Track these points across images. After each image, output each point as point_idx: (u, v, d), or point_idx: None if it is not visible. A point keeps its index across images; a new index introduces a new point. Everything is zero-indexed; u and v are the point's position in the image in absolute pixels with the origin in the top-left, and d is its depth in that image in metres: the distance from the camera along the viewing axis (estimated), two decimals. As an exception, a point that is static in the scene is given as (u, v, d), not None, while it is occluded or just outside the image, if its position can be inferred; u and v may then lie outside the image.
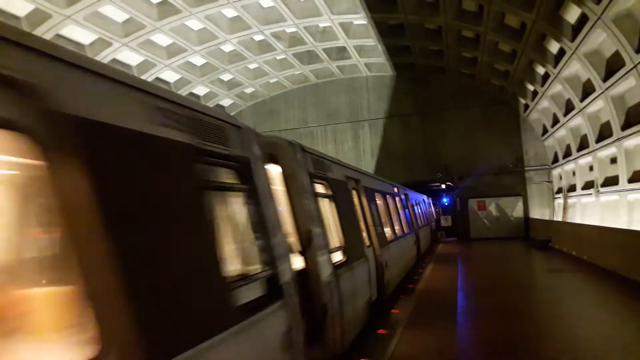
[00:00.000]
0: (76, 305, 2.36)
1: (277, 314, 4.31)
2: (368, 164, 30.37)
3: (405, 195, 19.19)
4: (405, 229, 16.30)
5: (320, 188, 7.25)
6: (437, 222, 34.51)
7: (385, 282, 10.34)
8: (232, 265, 3.95)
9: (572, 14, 16.40)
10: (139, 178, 2.88)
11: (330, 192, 7.65)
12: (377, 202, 12.14)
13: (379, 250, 10.27)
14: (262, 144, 5.21)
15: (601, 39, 15.92)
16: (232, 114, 31.46)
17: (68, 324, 2.69)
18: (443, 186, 31.12)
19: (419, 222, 21.90)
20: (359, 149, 31.45)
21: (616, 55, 15.44)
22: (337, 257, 7.17)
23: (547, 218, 27.50)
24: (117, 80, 2.97)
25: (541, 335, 7.76)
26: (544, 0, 16.26)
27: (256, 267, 4.37)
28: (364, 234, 9.57)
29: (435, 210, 36.55)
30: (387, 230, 12.71)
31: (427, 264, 18.40)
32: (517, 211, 28.95)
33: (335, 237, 7.48)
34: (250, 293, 3.96)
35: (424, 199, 28.37)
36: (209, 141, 3.83)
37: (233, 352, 3.37)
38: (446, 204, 34.95)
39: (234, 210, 4.41)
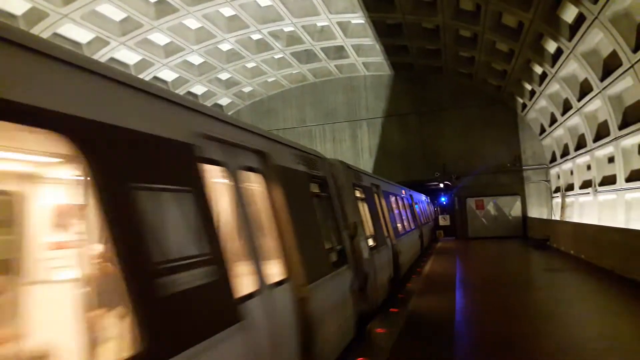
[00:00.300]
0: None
1: (346, 271, 7.54)
2: (366, 163, 30.35)
3: (411, 196, 22.18)
4: (412, 225, 19.44)
5: (357, 193, 9.99)
6: (436, 221, 34.54)
7: (399, 264, 13.44)
8: (327, 241, 7.13)
9: (569, 14, 16.40)
10: (302, 195, 6.32)
11: (363, 196, 10.49)
12: (391, 202, 15.11)
13: (394, 240, 13.26)
14: (328, 165, 8.29)
15: (598, 39, 15.92)
16: (230, 113, 31.44)
17: None
18: (441, 185, 31.15)
19: (422, 220, 25.23)
20: (357, 148, 31.44)
21: (613, 54, 15.45)
22: (371, 242, 9.99)
23: (545, 217, 27.54)
24: (291, 146, 6.39)
25: (538, 335, 7.76)
26: (541, 0, 16.27)
27: (335, 244, 7.56)
28: (384, 227, 12.41)
29: (433, 209, 36.58)
30: (399, 225, 15.70)
31: (427, 259, 18.44)
32: (515, 210, 28.98)
33: (368, 228, 10.24)
34: (334, 257, 7.21)
35: (424, 199, 28.52)
36: (312, 169, 7.05)
37: (331, 285, 6.48)
38: (444, 203, 35.00)
39: (323, 208, 7.39)
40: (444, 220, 33.80)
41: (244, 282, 4.01)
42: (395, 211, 15.65)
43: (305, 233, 5.77)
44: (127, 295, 2.44)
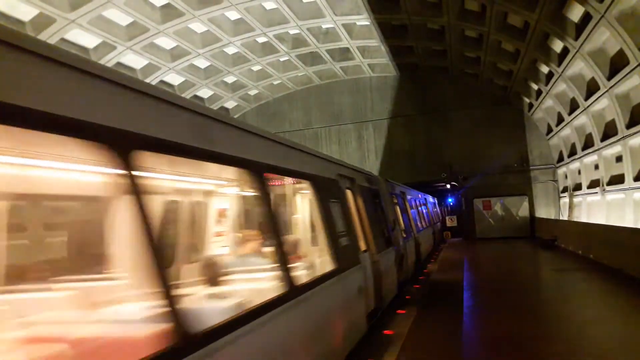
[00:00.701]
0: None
1: (392, 250, 11.05)
2: (372, 165, 30.33)
3: (425, 199, 25.83)
4: (426, 223, 23.00)
5: (394, 199, 13.77)
6: (443, 222, 34.43)
7: (420, 252, 17.48)
8: (383, 230, 10.64)
9: (576, 13, 16.36)
10: (370, 202, 9.86)
11: (396, 201, 14.13)
12: (413, 205, 19.13)
13: (416, 234, 17.03)
14: (376, 180, 11.73)
15: (605, 37, 15.87)
16: (236, 116, 31.52)
17: None
18: (448, 186, 31.06)
19: (434, 220, 28.51)
20: (363, 150, 31.43)
21: (620, 53, 15.39)
22: (403, 234, 13.77)
23: (552, 217, 27.41)
24: (362, 171, 10.27)
25: (547, 335, 7.73)
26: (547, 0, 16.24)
27: (385, 233, 10.85)
28: (410, 223, 16.16)
29: (440, 210, 36.48)
30: (418, 223, 19.19)
31: (436, 258, 18.43)
32: (523, 210, 28.86)
33: (400, 224, 13.64)
34: (386, 241, 10.63)
35: (431, 200, 28.60)
36: (371, 185, 10.62)
37: (386, 256, 10.03)
38: (451, 204, 34.90)
39: (378, 210, 10.84)
40: (451, 222, 33.68)
41: (361, 246, 8.16)
42: (415, 211, 19.73)
43: (374, 225, 9.56)
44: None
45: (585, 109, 19.84)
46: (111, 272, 4.03)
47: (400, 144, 30.43)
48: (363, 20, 23.15)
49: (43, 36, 18.35)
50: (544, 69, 21.69)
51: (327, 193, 6.73)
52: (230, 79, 28.81)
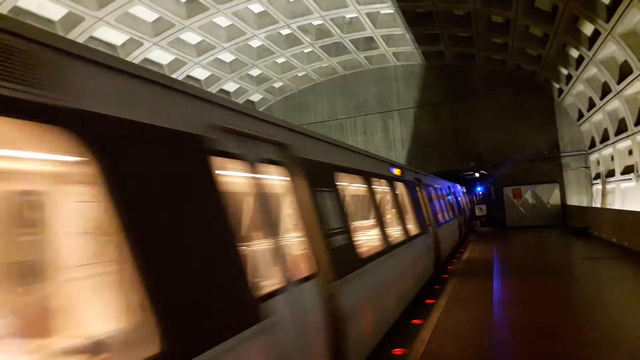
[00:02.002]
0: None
1: (429, 236, 12.35)
2: (398, 155, 30.17)
3: (462, 191, 29.83)
4: (463, 210, 26.72)
5: (432, 190, 15.90)
6: (472, 211, 34.06)
7: (462, 232, 22.45)
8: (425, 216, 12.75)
9: (607, -6, 15.90)
10: (428, 196, 14.01)
11: (435, 192, 16.87)
12: (454, 195, 23.58)
13: (459, 217, 22.32)
14: (413, 173, 13.28)
15: (638, 18, 15.38)
16: (261, 109, 31.73)
17: None
18: (477, 175, 30.67)
19: (467, 207, 31.75)
20: (389, 139, 31.26)
21: (654, 34, 14.91)
22: (441, 218, 16.31)
23: (585, 205, 26.84)
24: (409, 169, 13.41)
25: (580, 324, 7.62)
26: (576, -19, 15.81)
27: (426, 220, 12.68)
28: (451, 210, 20.28)
29: (469, 199, 36.08)
30: (462, 207, 25.22)
31: (465, 248, 18.32)
32: (554, 198, 28.34)
33: (441, 212, 16.98)
34: (425, 226, 12.32)
35: (459, 189, 28.41)
36: (425, 181, 14.66)
37: (420, 243, 11.03)
38: (480, 192, 34.48)
39: (422, 201, 12.89)
40: (480, 211, 33.30)
41: (413, 227, 10.85)
42: (456, 199, 23.79)
43: (432, 209, 13.35)
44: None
45: (618, 93, 19.30)
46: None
47: (427, 133, 30.15)
48: (387, 8, 22.94)
49: (72, 35, 18.77)
50: (574, 53, 21.14)
51: (411, 189, 11.74)
52: (255, 72, 28.98)
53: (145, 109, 2.89)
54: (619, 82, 18.85)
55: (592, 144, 25.82)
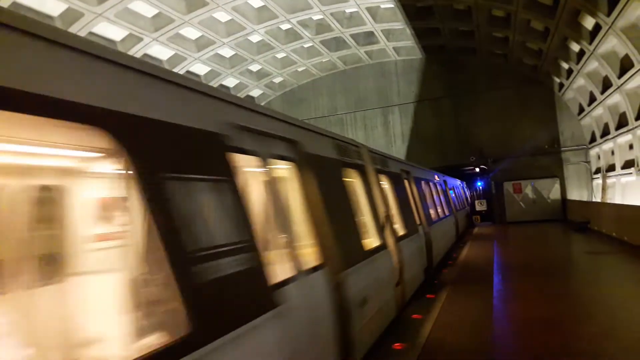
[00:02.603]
0: None
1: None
2: (399, 150, 30.16)
3: (461, 187, 29.68)
4: (462, 205, 26.56)
5: (431, 186, 16.28)
6: (472, 206, 34.07)
7: (458, 229, 21.55)
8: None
9: (608, -13, 15.84)
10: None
11: (437, 187, 17.44)
12: (454, 190, 23.92)
13: (456, 213, 21.27)
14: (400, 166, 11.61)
15: (639, 12, 15.32)
16: (262, 104, 31.66)
17: None
18: (477, 170, 30.65)
19: (467, 202, 31.74)
20: (389, 134, 31.24)
21: (656, 28, 14.86)
22: (434, 215, 14.89)
23: (585, 199, 26.84)
24: (414, 165, 14.33)
25: (581, 318, 7.64)
26: (577, -25, 15.75)
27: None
28: (448, 206, 19.59)
29: (469, 194, 36.07)
30: (457, 203, 24.19)
31: (465, 244, 18.37)
32: (554, 193, 28.34)
33: (436, 208, 16.09)
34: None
35: (459, 184, 28.39)
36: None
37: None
38: (481, 187, 34.47)
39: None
40: (480, 205, 33.29)
41: (433, 214, 13.96)
42: (454, 194, 23.77)
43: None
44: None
45: (618, 87, 19.26)
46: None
47: (428, 128, 30.13)
48: (387, 2, 22.89)
49: (72, 30, 18.72)
50: (575, 47, 21.09)
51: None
52: (255, 67, 28.92)
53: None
54: (619, 76, 18.81)
55: (593, 139, 25.80)
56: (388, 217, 8.37)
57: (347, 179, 6.81)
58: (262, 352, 3.46)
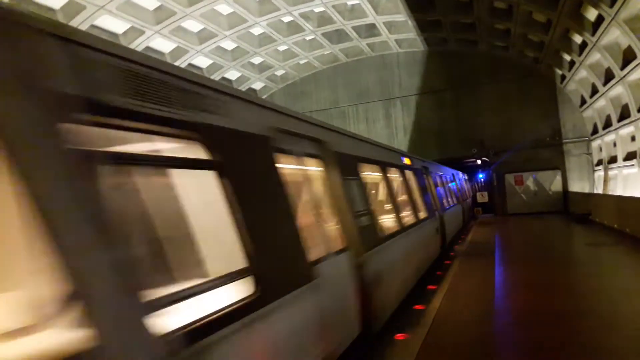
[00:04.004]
0: None
1: (435, 219, 13.52)
2: (401, 142, 30.17)
3: (463, 177, 30.56)
4: (465, 196, 28.36)
5: (440, 178, 17.81)
6: (473, 198, 34.11)
7: (465, 215, 24.58)
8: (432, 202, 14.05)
9: (611, -21, 15.80)
10: (434, 183, 15.88)
11: (445, 179, 19.21)
12: (458, 182, 24.95)
13: (463, 203, 23.85)
14: (421, 163, 14.24)
15: (642, 3, 15.30)
16: (264, 97, 31.68)
17: None
18: (479, 162, 30.67)
19: (469, 194, 32.72)
20: (391, 127, 31.24)
21: (658, 19, 14.83)
22: (446, 204, 17.33)
23: (586, 191, 26.87)
24: (425, 160, 16.04)
25: (581, 311, 7.68)
26: (580, -34, 15.71)
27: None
28: (456, 196, 21.36)
29: (470, 186, 36.11)
30: (465, 193, 27.49)
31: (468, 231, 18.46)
32: (556, 185, 28.37)
33: (447, 197, 18.56)
34: (432, 210, 13.55)
35: (461, 176, 28.51)
36: (432, 169, 16.21)
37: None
38: (482, 179, 34.50)
39: (429, 188, 14.35)
40: (482, 197, 33.34)
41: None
42: (459, 186, 24.98)
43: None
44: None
45: (621, 79, 19.24)
46: None
47: (429, 120, 30.12)
48: (389, -5, 22.81)
49: (74, 23, 18.73)
50: (577, 38, 21.04)
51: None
52: (257, 60, 28.90)
53: (416, 164, 11.46)
54: (622, 68, 18.79)
55: (595, 131, 25.79)
56: (414, 204, 11.21)
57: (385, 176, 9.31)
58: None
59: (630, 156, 20.72)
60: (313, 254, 4.71)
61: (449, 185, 20.89)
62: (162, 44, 23.67)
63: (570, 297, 8.60)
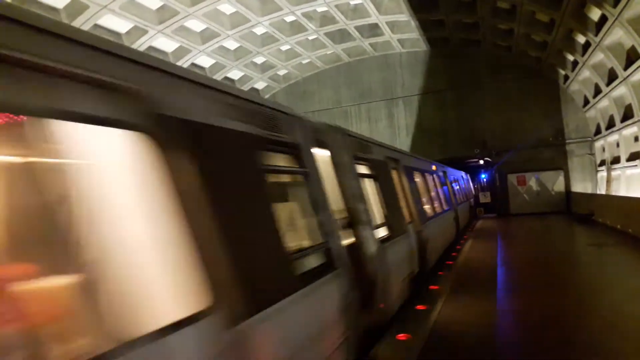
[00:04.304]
0: None
1: (467, 204, 25.60)
2: (403, 142, 30.15)
3: (468, 179, 32.09)
4: (471, 195, 31.34)
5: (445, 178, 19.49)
6: (476, 198, 34.09)
7: (472, 212, 27.93)
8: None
9: (614, -21, 15.76)
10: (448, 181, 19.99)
11: (449, 179, 20.16)
12: (460, 183, 24.92)
13: (470, 200, 27.78)
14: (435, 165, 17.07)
15: (645, 4, 15.26)
16: (266, 96, 31.70)
17: None
18: (481, 162, 30.64)
19: (472, 193, 33.65)
20: (393, 127, 31.22)
21: (662, 19, 14.79)
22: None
23: (589, 191, 26.81)
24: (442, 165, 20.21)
25: (584, 311, 7.67)
26: (583, -34, 15.67)
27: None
28: (454, 197, 21.06)
29: (473, 186, 36.08)
30: (469, 193, 30.24)
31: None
32: (558, 185, 28.33)
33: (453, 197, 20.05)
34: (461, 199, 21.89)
35: (462, 176, 28.49)
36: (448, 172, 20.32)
37: (465, 207, 23.29)
38: (485, 180, 34.48)
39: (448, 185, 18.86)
40: (484, 198, 33.33)
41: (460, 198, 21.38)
42: (469, 186, 29.21)
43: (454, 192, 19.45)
44: None
45: (624, 79, 19.20)
46: None
47: (432, 120, 30.09)
48: (392, -6, 22.79)
49: (77, 22, 18.77)
50: (581, 38, 21.00)
51: (442, 180, 16.19)
52: (259, 60, 28.91)
53: (439, 169, 14.97)
54: (625, 68, 18.74)
55: (598, 131, 25.74)
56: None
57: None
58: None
59: (633, 157, 20.66)
60: (407, 219, 9.54)
61: (461, 185, 24.92)
62: (165, 44, 23.70)
63: (572, 297, 8.58)
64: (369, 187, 7.60)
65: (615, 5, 16.18)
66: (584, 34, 19.99)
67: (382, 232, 7.33)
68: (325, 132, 6.09)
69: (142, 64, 2.93)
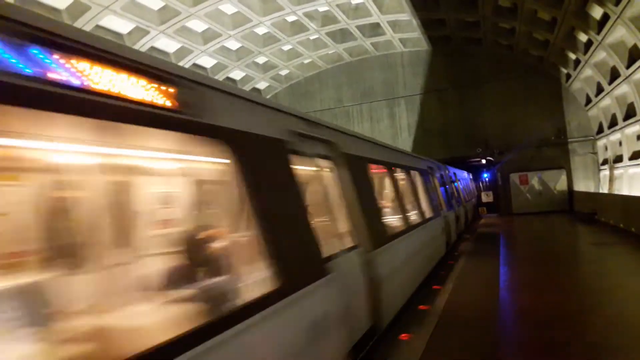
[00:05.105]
0: None
1: (471, 202, 27.40)
2: (405, 142, 30.12)
3: (470, 178, 32.46)
4: (474, 194, 32.21)
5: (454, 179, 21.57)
6: (478, 198, 34.03)
7: (478, 211, 30.59)
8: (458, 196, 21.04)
9: (616, -23, 15.73)
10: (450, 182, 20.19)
11: (456, 179, 22.15)
12: (464, 183, 26.13)
13: (474, 198, 30.26)
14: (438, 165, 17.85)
15: (648, 2, 15.23)
16: (268, 96, 31.71)
17: None
18: (483, 161, 30.60)
19: (475, 193, 34.06)
20: (395, 127, 31.19)
21: (664, 17, 14.76)
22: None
23: (592, 190, 26.76)
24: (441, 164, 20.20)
25: (587, 309, 7.65)
26: (585, -36, 15.64)
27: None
28: (462, 195, 23.05)
29: (475, 185, 36.03)
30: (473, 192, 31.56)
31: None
32: (561, 184, 28.27)
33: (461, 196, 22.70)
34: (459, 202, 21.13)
35: (466, 176, 28.50)
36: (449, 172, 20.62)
37: (470, 204, 26.18)
38: (487, 179, 34.44)
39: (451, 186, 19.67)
40: (486, 197, 33.27)
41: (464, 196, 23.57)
42: (472, 186, 29.82)
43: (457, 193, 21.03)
44: None
45: (627, 78, 19.15)
46: None
47: (434, 120, 30.06)
48: (393, -6, 22.78)
49: (79, 23, 18.79)
50: (583, 37, 20.96)
51: (440, 179, 16.18)
52: (261, 60, 28.91)
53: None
54: (628, 67, 18.70)
55: (600, 130, 25.68)
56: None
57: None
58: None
59: (636, 155, 20.62)
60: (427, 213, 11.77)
61: (467, 184, 27.59)
62: (167, 44, 23.72)
63: (576, 296, 8.56)
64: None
65: (617, 4, 16.15)
66: (586, 33, 19.95)
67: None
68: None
69: (333, 129, 6.41)
